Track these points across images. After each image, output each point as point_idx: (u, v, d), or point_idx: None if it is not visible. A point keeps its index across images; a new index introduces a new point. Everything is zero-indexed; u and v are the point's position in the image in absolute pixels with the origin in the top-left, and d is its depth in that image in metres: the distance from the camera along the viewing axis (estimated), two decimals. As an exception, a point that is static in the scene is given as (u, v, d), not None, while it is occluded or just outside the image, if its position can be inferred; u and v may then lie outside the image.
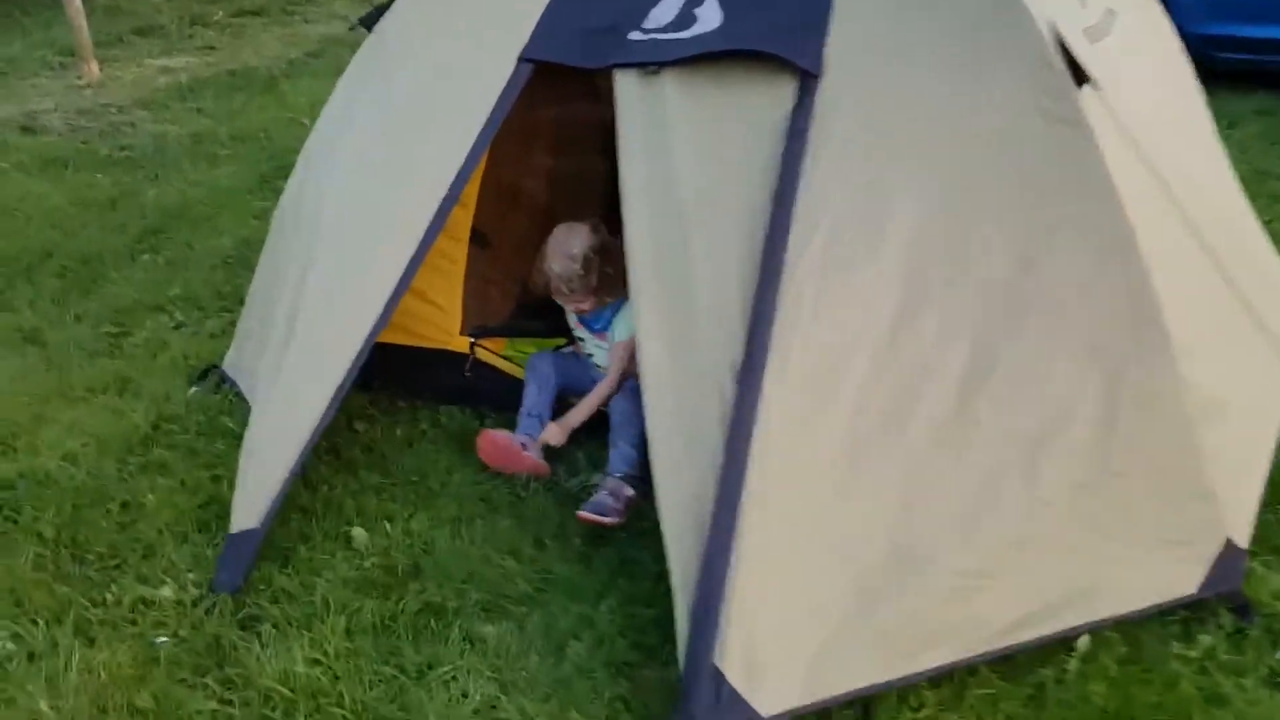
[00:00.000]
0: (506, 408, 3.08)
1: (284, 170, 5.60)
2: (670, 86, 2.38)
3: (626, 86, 2.43)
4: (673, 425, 2.13)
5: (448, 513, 2.64)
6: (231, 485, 2.66)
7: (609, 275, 2.84)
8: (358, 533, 2.56)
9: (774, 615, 1.97)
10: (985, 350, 2.17)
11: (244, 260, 4.20)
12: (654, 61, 2.43)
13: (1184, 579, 2.22)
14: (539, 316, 3.45)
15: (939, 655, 2.03)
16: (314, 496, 2.69)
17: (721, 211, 2.26)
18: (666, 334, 2.21)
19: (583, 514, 2.57)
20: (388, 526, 2.60)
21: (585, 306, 2.92)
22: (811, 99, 2.27)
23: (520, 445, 2.81)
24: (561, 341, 3.41)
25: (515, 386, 3.14)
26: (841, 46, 2.32)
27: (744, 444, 2.04)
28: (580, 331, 3.14)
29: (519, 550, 2.52)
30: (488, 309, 3.35)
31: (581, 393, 3.02)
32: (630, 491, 2.65)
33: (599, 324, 3.01)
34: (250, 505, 2.45)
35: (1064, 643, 2.14)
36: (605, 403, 2.91)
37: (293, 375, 2.53)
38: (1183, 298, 2.31)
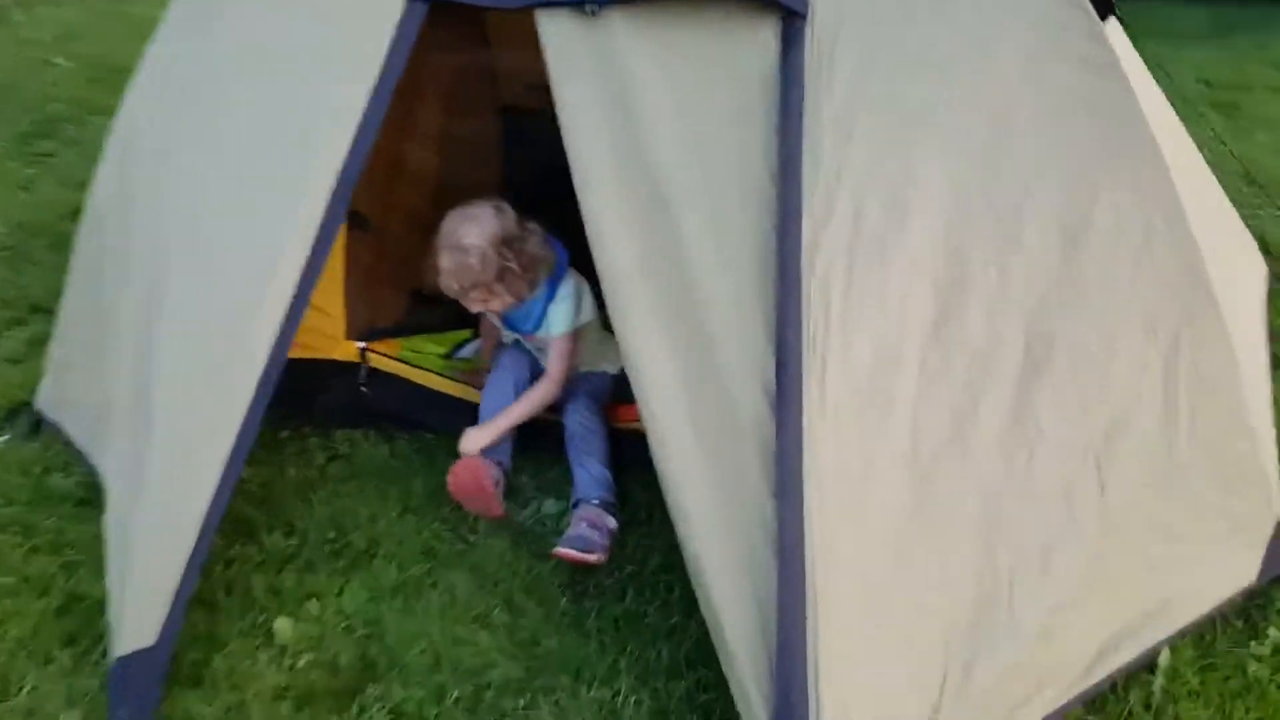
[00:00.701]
0: (417, 425, 2.60)
1: (47, 127, 4.69)
2: (620, 30, 1.89)
3: (558, 31, 1.91)
4: (701, 473, 1.72)
5: (386, 578, 2.15)
6: (92, 572, 2.08)
7: (515, 271, 2.35)
8: (280, 624, 2.02)
9: (871, 694, 1.64)
10: (1040, 340, 1.86)
11: (25, 253, 3.43)
12: (592, 1, 1.96)
13: (1245, 569, 2.03)
14: (440, 305, 2.93)
15: (1035, 709, 1.78)
16: (211, 581, 2.12)
17: (715, 189, 1.82)
18: (672, 353, 1.78)
19: (562, 551, 2.13)
20: (315, 608, 2.08)
21: (495, 307, 2.42)
22: (800, 46, 1.86)
23: (495, 481, 2.33)
24: (466, 334, 2.92)
25: (425, 397, 2.64)
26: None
27: (795, 494, 1.66)
28: (507, 335, 2.66)
29: (489, 617, 2.07)
30: (378, 306, 2.78)
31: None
32: (612, 522, 2.24)
33: (528, 324, 2.51)
34: (139, 616, 1.88)
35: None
36: (542, 409, 2.47)
37: (169, 442, 1.93)
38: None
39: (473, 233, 2.34)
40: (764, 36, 1.87)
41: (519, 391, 2.46)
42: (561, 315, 2.47)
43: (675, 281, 1.81)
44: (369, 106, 1.95)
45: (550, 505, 2.37)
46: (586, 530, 2.18)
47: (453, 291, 2.34)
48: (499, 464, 2.37)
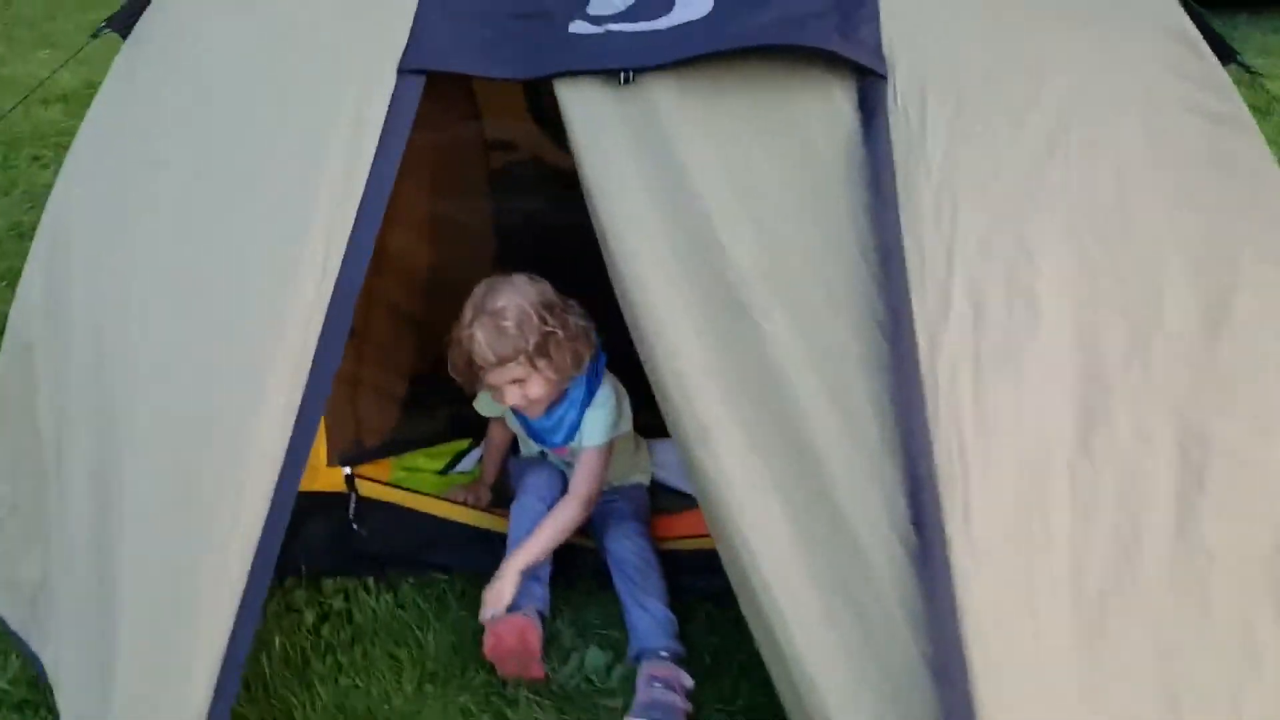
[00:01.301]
0: (424, 565, 2.22)
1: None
2: (661, 101, 1.60)
3: (585, 101, 1.62)
4: (838, 645, 1.39)
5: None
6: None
7: (560, 339, 2.03)
8: None
9: None
10: (1195, 443, 1.57)
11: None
12: (626, 67, 1.65)
13: None
14: (430, 413, 2.56)
15: None
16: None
17: (801, 288, 1.52)
18: (778, 500, 1.45)
19: None
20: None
21: (535, 393, 2.06)
22: (883, 111, 1.57)
23: (540, 639, 1.95)
24: (465, 444, 2.55)
25: (430, 530, 2.26)
26: (901, 26, 1.65)
27: (958, 666, 1.35)
28: (531, 448, 2.30)
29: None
30: (363, 421, 2.42)
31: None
32: (688, 680, 1.88)
33: (558, 435, 2.17)
34: None
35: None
36: (568, 535, 2.12)
37: (143, 625, 1.50)
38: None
39: (509, 296, 2.02)
40: (838, 102, 1.59)
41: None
42: (599, 423, 2.13)
43: (767, 406, 1.49)
44: (366, 199, 1.62)
45: (595, 656, 1.99)
46: (661, 694, 1.81)
47: (489, 364, 2.00)
48: (540, 615, 2.00)
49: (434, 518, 2.25)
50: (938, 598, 1.34)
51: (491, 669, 1.95)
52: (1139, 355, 1.57)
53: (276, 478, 1.52)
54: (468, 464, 2.51)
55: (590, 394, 2.14)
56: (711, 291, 1.54)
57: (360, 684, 1.92)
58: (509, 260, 2.58)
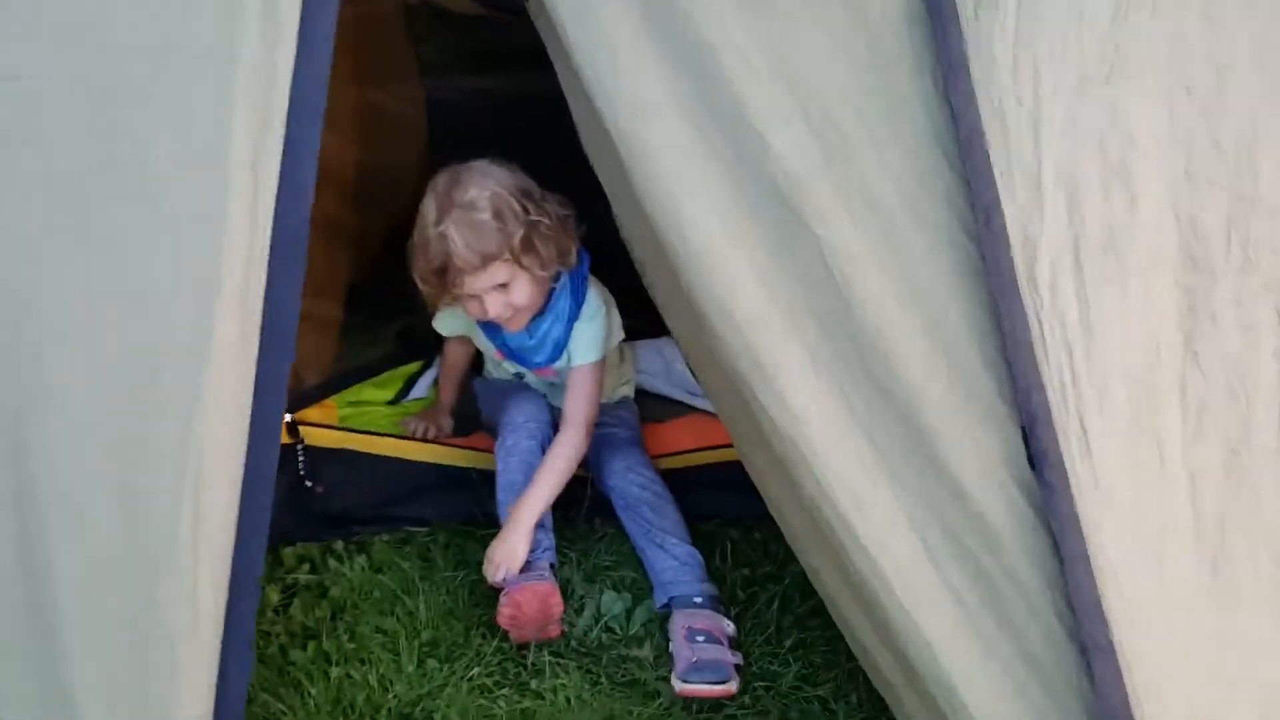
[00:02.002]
0: (394, 520, 1.94)
1: None
2: None
3: None
4: (952, 603, 1.18)
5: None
6: None
7: (547, 229, 1.75)
8: None
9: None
10: (1297, 326, 1.43)
11: None
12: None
13: None
14: (373, 335, 2.22)
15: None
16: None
17: (865, 185, 1.25)
18: (855, 425, 1.22)
19: (690, 689, 1.58)
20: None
21: (520, 299, 1.78)
22: None
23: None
24: (415, 367, 2.24)
25: (392, 476, 1.97)
26: None
27: (1099, 622, 1.17)
28: (504, 369, 2.01)
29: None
30: (300, 358, 2.01)
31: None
32: (730, 625, 1.69)
33: (541, 354, 1.89)
34: None
35: None
36: (573, 471, 1.85)
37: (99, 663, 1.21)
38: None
39: (481, 184, 1.73)
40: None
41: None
42: (591, 338, 1.86)
43: (840, 334, 1.24)
44: (299, 87, 1.25)
45: (611, 602, 1.78)
46: (707, 649, 1.61)
47: (471, 268, 1.71)
48: (550, 566, 1.77)
49: (399, 461, 1.97)
50: (1070, 548, 1.16)
51: (498, 630, 1.73)
52: (1238, 234, 1.36)
53: (242, 463, 1.23)
54: (421, 389, 2.21)
55: (577, 305, 1.86)
56: (755, 196, 1.27)
57: (353, 672, 1.66)
58: (445, 155, 2.23)
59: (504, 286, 1.75)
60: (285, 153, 1.26)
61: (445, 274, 1.73)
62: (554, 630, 1.71)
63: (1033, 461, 1.19)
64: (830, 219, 1.25)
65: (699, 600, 1.70)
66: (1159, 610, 1.23)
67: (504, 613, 1.67)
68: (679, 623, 1.68)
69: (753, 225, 1.26)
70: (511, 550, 1.73)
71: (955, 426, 1.21)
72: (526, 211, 1.72)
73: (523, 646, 1.71)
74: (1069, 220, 1.27)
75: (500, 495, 1.82)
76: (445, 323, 2.02)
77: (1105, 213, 1.29)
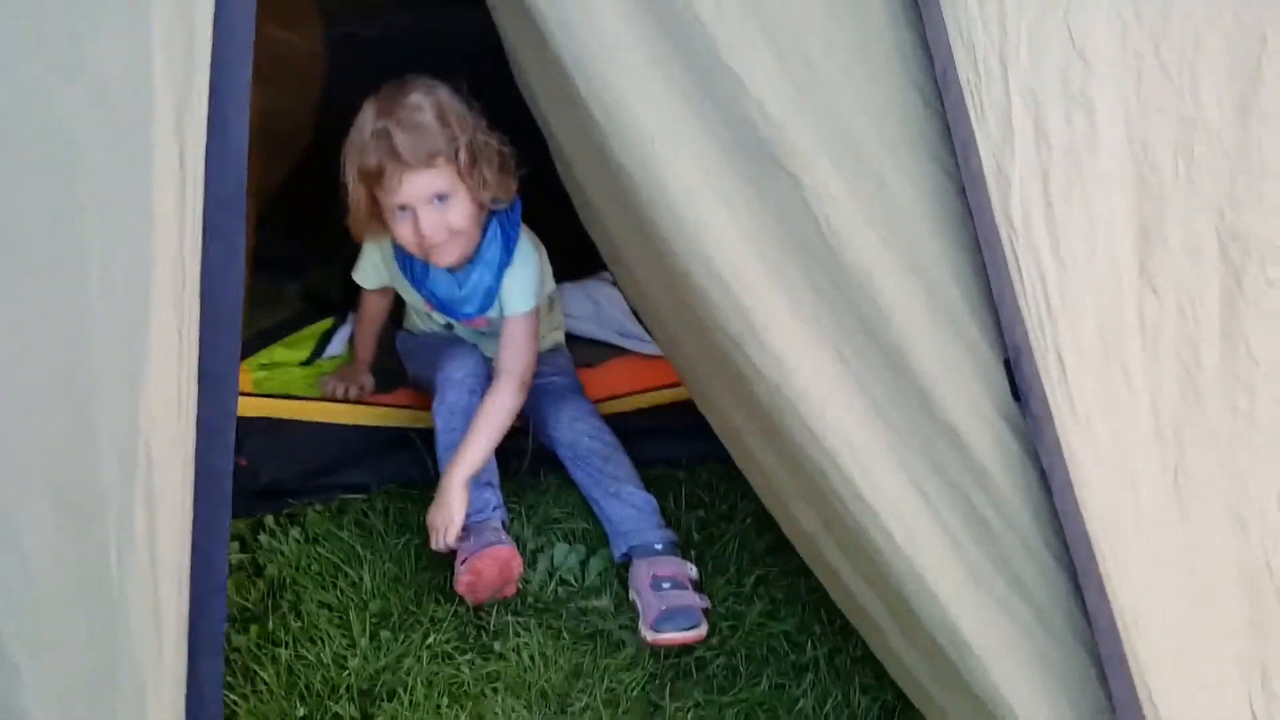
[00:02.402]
0: (324, 490, 1.83)
1: None
2: None
3: None
4: (947, 543, 1.19)
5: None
6: None
7: (489, 145, 1.68)
8: None
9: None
10: (1235, 243, 1.43)
11: None
12: None
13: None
14: (276, 294, 2.07)
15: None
16: None
17: (841, 122, 1.22)
18: (844, 372, 1.20)
19: (663, 638, 1.57)
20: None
21: (460, 228, 1.69)
22: None
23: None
24: (328, 323, 2.10)
25: (318, 441, 1.86)
26: None
27: (1086, 550, 1.19)
28: (433, 321, 1.91)
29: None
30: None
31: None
32: (693, 569, 1.68)
33: (471, 303, 1.80)
34: None
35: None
36: (509, 425, 1.78)
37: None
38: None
39: (424, 92, 1.65)
40: None
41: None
42: (524, 286, 1.78)
43: (824, 280, 1.21)
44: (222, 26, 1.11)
45: (564, 554, 1.74)
46: (675, 596, 1.60)
47: (414, 164, 1.61)
48: (503, 525, 1.71)
49: (326, 426, 1.86)
50: (1058, 478, 1.18)
51: (451, 593, 1.67)
52: (1184, 156, 1.39)
53: (193, 462, 1.12)
54: (336, 347, 2.08)
55: (508, 253, 1.77)
56: (732, 140, 1.22)
57: (304, 652, 1.58)
58: (344, 103, 2.07)
59: (442, 200, 1.65)
60: (212, 105, 1.13)
61: (381, 177, 1.62)
62: (510, 590, 1.66)
63: (1017, 394, 1.21)
64: (811, 163, 1.21)
65: (659, 547, 1.68)
66: (1135, 530, 1.27)
67: (463, 580, 1.61)
68: (642, 571, 1.66)
69: (732, 173, 1.21)
70: (448, 514, 1.66)
71: (940, 363, 1.21)
72: (476, 129, 1.65)
73: (479, 607, 1.66)
74: (1037, 153, 1.27)
75: (441, 455, 1.74)
76: (367, 274, 1.91)
77: (1069, 143, 1.29)
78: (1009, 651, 1.21)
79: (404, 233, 1.69)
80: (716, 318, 1.24)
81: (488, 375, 1.80)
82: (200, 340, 1.12)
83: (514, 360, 1.78)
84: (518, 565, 1.64)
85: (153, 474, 1.07)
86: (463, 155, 1.62)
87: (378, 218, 1.70)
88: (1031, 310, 1.23)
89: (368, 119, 1.63)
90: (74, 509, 1.05)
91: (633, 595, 1.66)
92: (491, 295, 1.79)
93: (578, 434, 1.80)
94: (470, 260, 1.76)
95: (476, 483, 1.72)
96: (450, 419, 1.75)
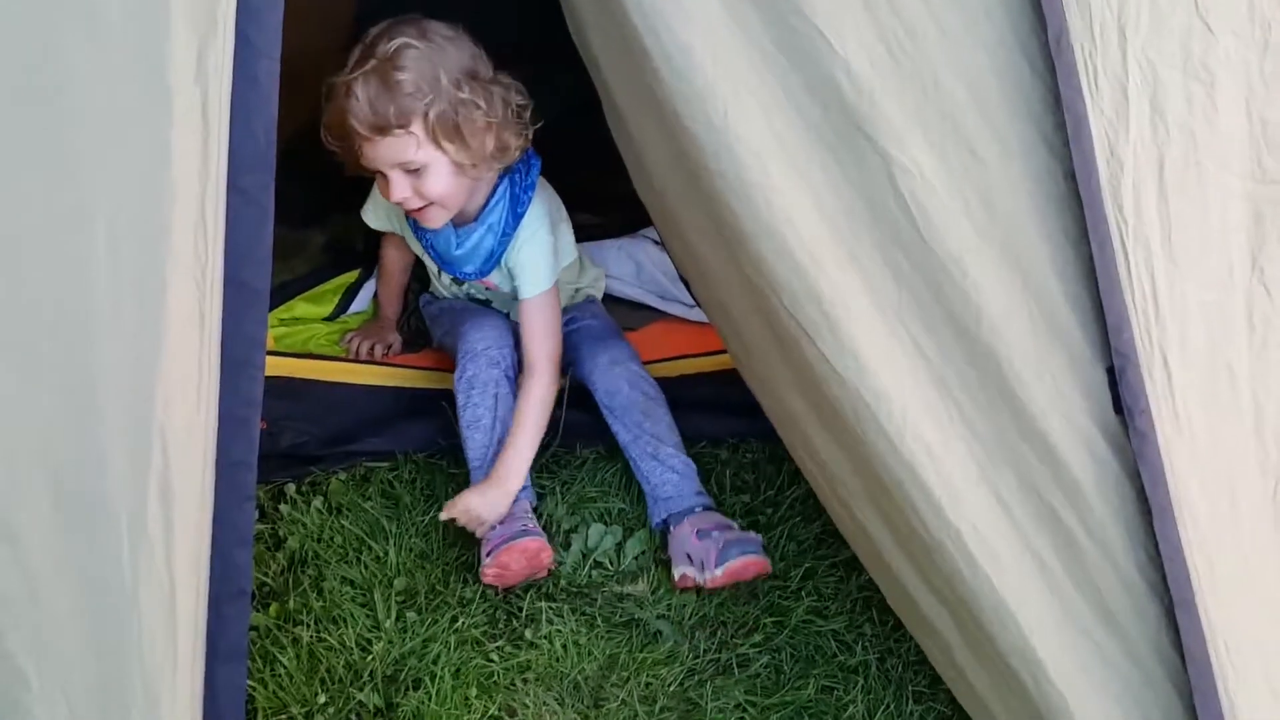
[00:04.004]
0: (348, 456, 1.73)
1: None
2: None
3: None
4: (1030, 560, 1.08)
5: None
6: None
7: (479, 111, 1.52)
8: None
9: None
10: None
11: None
12: None
13: None
14: (301, 245, 1.96)
15: None
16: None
17: (936, 85, 1.08)
18: (926, 370, 1.09)
19: (734, 564, 1.51)
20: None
21: (439, 196, 1.55)
22: None
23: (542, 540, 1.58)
24: (353, 276, 1.99)
25: (341, 403, 1.76)
26: None
27: (1183, 572, 1.09)
28: (442, 282, 1.79)
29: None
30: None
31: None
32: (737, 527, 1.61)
33: (470, 264, 1.69)
34: None
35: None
36: (549, 414, 1.67)
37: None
38: None
39: (417, 44, 1.49)
40: None
41: (512, 380, 1.66)
42: (534, 264, 1.66)
43: (911, 269, 1.09)
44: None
45: (599, 535, 1.65)
46: (726, 535, 1.55)
47: (367, 129, 1.49)
48: (533, 510, 1.62)
49: (351, 387, 1.76)
50: (1159, 499, 1.07)
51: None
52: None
53: (213, 454, 1.02)
54: (361, 303, 1.97)
55: (515, 218, 1.64)
56: (813, 107, 1.09)
57: (326, 635, 1.50)
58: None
59: (413, 170, 1.52)
60: (238, 46, 1.01)
61: (346, 138, 1.51)
62: (542, 573, 1.57)
63: (1119, 406, 1.10)
64: (902, 135, 1.08)
65: (698, 510, 1.60)
66: (1233, 551, 1.16)
67: (488, 572, 1.52)
68: (685, 530, 1.57)
69: (812, 144, 1.08)
70: (493, 507, 1.56)
71: (1036, 367, 1.09)
72: (459, 88, 1.48)
73: (509, 590, 1.57)
74: (1153, 131, 1.14)
75: (465, 433, 1.64)
76: (376, 214, 1.79)
77: (1186, 121, 1.16)
78: (1090, 682, 1.11)
79: (382, 189, 1.59)
80: (786, 303, 1.12)
81: (514, 345, 1.69)
82: (223, 319, 1.02)
83: (540, 348, 1.66)
84: (547, 557, 1.55)
85: (169, 467, 0.98)
86: (433, 119, 1.47)
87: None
88: (1139, 312, 1.11)
89: (349, 63, 1.49)
90: (78, 507, 0.96)
91: (679, 566, 1.57)
92: (495, 257, 1.68)
93: (616, 379, 1.69)
94: (474, 218, 1.65)
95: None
96: (470, 394, 1.64)
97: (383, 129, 1.48)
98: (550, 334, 1.67)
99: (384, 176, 1.56)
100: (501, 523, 1.56)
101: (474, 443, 1.63)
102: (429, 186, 1.54)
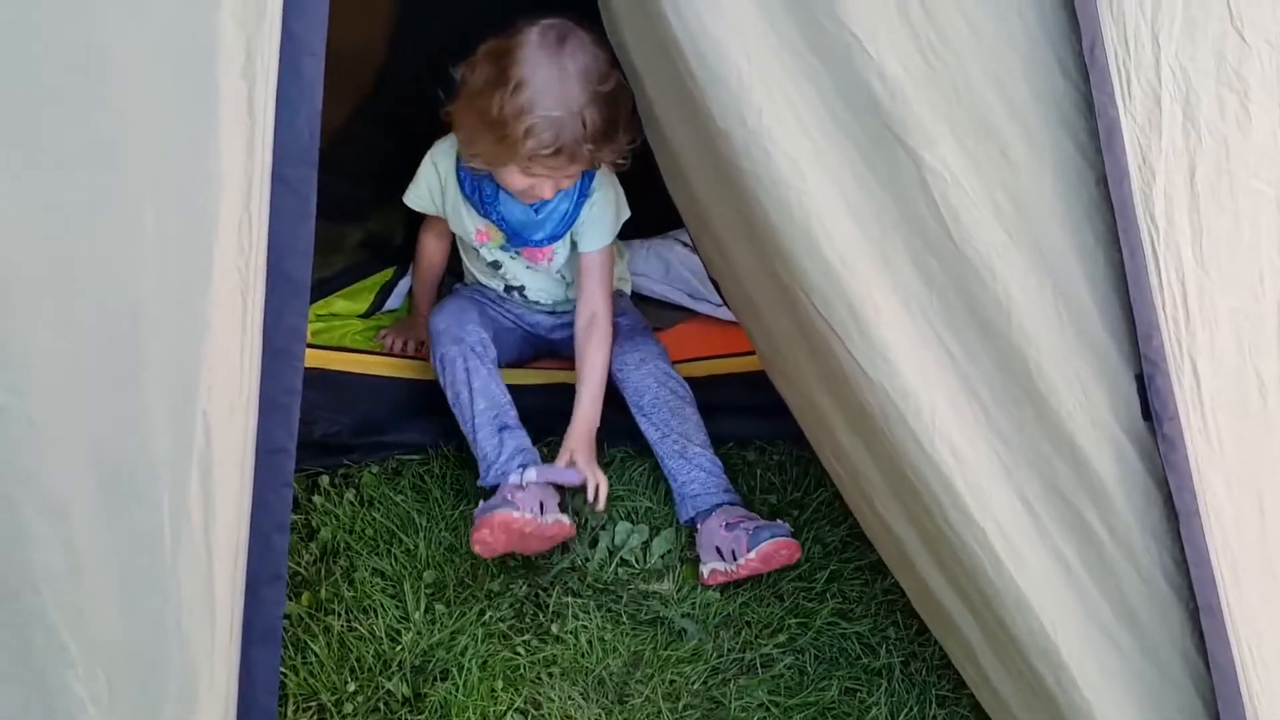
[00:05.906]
0: (381, 448, 1.76)
1: None
2: None
3: None
4: (1053, 565, 1.09)
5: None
6: None
7: (620, 120, 1.55)
8: None
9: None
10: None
11: None
12: None
13: None
14: (337, 241, 1.99)
15: None
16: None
17: (967, 86, 1.10)
18: (954, 372, 1.10)
19: (767, 545, 1.53)
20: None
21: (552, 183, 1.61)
22: None
23: (536, 509, 1.56)
24: (389, 274, 2.02)
25: (374, 396, 1.79)
26: None
27: (1209, 580, 1.09)
28: (483, 257, 1.80)
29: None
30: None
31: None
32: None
33: (544, 230, 1.72)
34: None
35: None
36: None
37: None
38: None
39: (578, 57, 1.51)
40: None
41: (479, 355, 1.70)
42: (603, 219, 1.72)
43: (940, 271, 1.10)
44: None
45: (626, 533, 1.67)
46: (755, 523, 1.57)
47: (575, 161, 1.55)
48: (524, 466, 1.62)
49: (385, 381, 1.79)
50: (1185, 505, 1.07)
51: (509, 569, 1.60)
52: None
53: (253, 446, 1.04)
54: (396, 300, 2.00)
55: (588, 178, 1.68)
56: (845, 108, 1.10)
57: (357, 624, 1.53)
58: (416, 37, 1.95)
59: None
60: (284, 42, 1.04)
61: (511, 141, 1.51)
62: (555, 533, 1.58)
63: (1147, 412, 1.10)
64: (933, 138, 1.09)
65: (725, 505, 1.62)
66: (1259, 557, 1.16)
67: (474, 544, 1.55)
68: (713, 524, 1.59)
69: (845, 144, 1.10)
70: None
71: (1064, 371, 1.10)
72: (607, 104, 1.52)
73: (537, 585, 1.59)
74: (1185, 139, 1.15)
75: (454, 412, 1.69)
76: (421, 196, 1.79)
77: (1219, 129, 1.17)
78: (1113, 685, 1.11)
79: (514, 181, 1.61)
80: (816, 303, 1.14)
81: (477, 320, 1.74)
82: (265, 310, 1.05)
83: (602, 300, 1.71)
84: (531, 528, 1.54)
85: (210, 447, 1.01)
86: (589, 142, 1.51)
87: (500, 155, 1.57)
88: (1169, 319, 1.11)
89: (571, 93, 1.49)
90: (121, 485, 0.99)
91: (707, 562, 1.58)
92: (568, 221, 1.71)
93: (645, 378, 1.72)
94: None
95: (494, 425, 1.66)
96: (442, 375, 1.70)
97: (560, 165, 1.54)
98: (608, 286, 1.74)
99: (518, 174, 1.57)
100: (492, 495, 1.59)
101: (461, 420, 1.67)
102: (569, 180, 1.63)
